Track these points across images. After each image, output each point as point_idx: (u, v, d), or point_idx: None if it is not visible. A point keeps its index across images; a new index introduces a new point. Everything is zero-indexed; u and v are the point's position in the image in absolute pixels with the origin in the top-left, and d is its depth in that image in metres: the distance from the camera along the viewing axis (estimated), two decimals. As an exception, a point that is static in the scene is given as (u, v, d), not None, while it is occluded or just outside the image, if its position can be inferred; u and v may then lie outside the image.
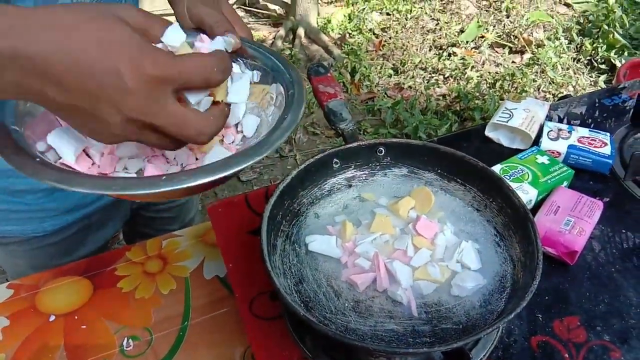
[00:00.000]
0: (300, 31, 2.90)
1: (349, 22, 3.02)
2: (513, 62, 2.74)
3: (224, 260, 0.71)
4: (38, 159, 0.46)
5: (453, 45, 2.82)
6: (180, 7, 0.58)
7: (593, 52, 2.71)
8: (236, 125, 0.57)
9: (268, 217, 0.59)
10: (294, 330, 0.61)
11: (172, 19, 0.54)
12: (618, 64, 2.56)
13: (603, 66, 2.65)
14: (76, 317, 0.71)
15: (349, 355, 0.58)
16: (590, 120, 0.96)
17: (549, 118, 0.94)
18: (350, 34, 2.95)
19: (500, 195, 0.65)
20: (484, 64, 2.72)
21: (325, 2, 3.21)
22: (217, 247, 0.75)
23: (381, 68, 2.68)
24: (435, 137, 0.98)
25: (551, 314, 0.65)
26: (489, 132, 0.91)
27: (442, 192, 0.70)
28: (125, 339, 0.69)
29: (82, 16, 0.40)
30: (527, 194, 0.75)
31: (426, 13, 3.08)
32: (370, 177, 0.72)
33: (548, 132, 0.87)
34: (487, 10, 3.10)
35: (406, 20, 3.02)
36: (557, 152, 0.84)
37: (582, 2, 3.06)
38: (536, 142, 0.87)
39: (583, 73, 2.65)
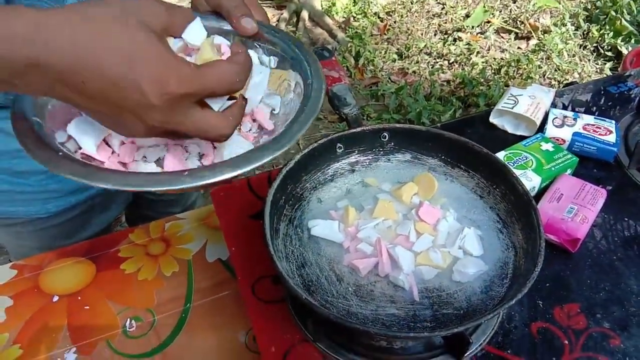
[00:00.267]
0: (304, 14, 2.87)
1: (354, 5, 2.98)
2: (519, 48, 2.72)
3: (227, 243, 0.71)
4: (61, 153, 0.46)
5: (458, 30, 2.79)
6: None
7: (600, 38, 2.68)
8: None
9: (271, 202, 0.59)
10: (295, 314, 0.61)
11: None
12: (625, 51, 2.54)
13: (609, 53, 2.62)
14: (79, 298, 0.72)
15: (350, 339, 0.59)
16: (595, 107, 0.95)
17: (554, 105, 0.93)
18: (354, 17, 2.92)
19: (503, 182, 0.65)
20: (489, 50, 2.70)
21: (330, -15, 3.18)
22: (220, 230, 0.75)
23: (385, 52, 2.65)
24: (439, 123, 0.97)
25: (552, 300, 0.65)
26: (493, 119, 0.91)
27: (446, 178, 0.70)
28: (128, 320, 0.69)
29: (104, 21, 0.39)
30: (530, 181, 0.75)
31: (432, -3, 3.04)
32: (373, 162, 0.72)
33: (553, 119, 0.86)
34: (493, -5, 3.06)
35: (411, 4, 2.99)
36: (562, 139, 0.84)
37: (590, -12, 3.02)
38: (541, 129, 0.87)
39: (589, 60, 2.63)
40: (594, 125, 0.85)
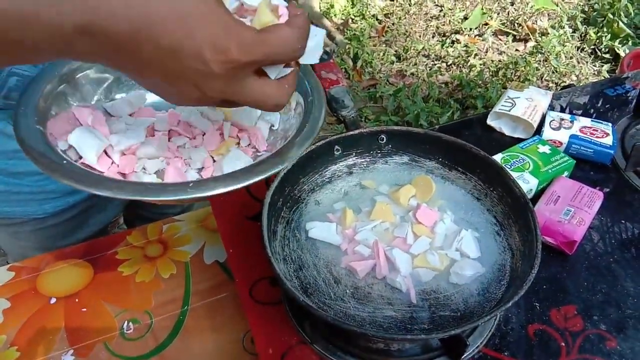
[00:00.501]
0: (303, 16, 2.87)
1: (352, 7, 2.99)
2: (516, 50, 2.72)
3: (225, 245, 0.71)
4: (65, 162, 0.46)
5: (457, 32, 2.80)
6: None
7: (597, 41, 2.69)
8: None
9: (269, 204, 0.59)
10: (293, 316, 0.61)
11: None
12: (622, 54, 2.54)
13: (607, 56, 2.63)
14: (77, 300, 0.72)
15: (348, 341, 0.59)
16: (592, 110, 0.95)
17: (551, 107, 0.94)
18: (352, 19, 2.92)
19: (500, 185, 0.65)
20: (487, 52, 2.70)
21: (328, -13, 3.18)
22: (218, 232, 0.75)
23: (384, 54, 2.66)
24: (437, 125, 0.98)
25: (548, 302, 0.65)
26: (491, 121, 0.91)
27: (443, 180, 0.70)
28: (126, 322, 0.69)
29: None
30: (527, 183, 0.75)
31: (430, -1, 3.05)
32: (371, 164, 0.72)
33: (550, 122, 0.86)
34: (491, -3, 3.07)
35: (410, 6, 2.99)
36: (559, 141, 0.84)
37: (588, -10, 3.03)
38: (538, 131, 0.87)
39: (587, 62, 2.63)
40: (591, 127, 0.85)
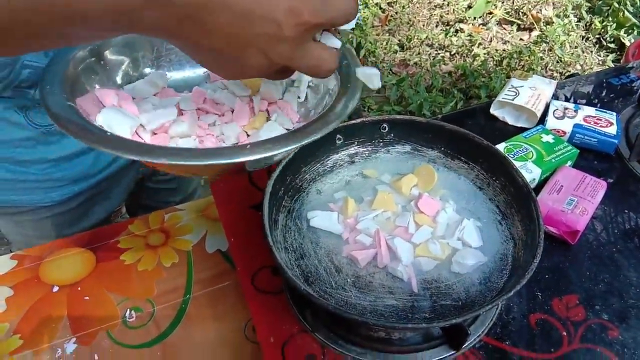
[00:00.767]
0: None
1: (355, -4, 2.96)
2: (521, 39, 2.70)
3: (226, 234, 0.71)
4: (109, 133, 0.44)
5: (460, 21, 2.77)
6: None
7: (602, 30, 2.67)
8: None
9: (270, 193, 0.59)
10: (294, 305, 0.61)
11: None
12: (627, 43, 2.52)
13: (612, 45, 2.61)
14: (79, 289, 0.72)
15: (349, 330, 0.59)
16: (597, 99, 0.95)
17: (555, 97, 0.93)
18: (356, 8, 2.90)
19: (503, 174, 0.65)
20: (491, 41, 2.68)
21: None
22: (219, 221, 0.75)
23: (387, 44, 2.64)
24: (440, 114, 0.97)
25: (550, 292, 0.65)
26: (494, 110, 0.90)
27: (445, 169, 0.70)
28: (128, 310, 0.70)
29: None
30: (530, 172, 0.75)
31: (434, -13, 3.02)
32: (373, 153, 0.72)
33: (554, 111, 0.86)
34: (496, -14, 3.04)
35: (413, -6, 2.97)
36: (563, 131, 0.84)
37: (593, -21, 3.00)
38: (542, 120, 0.87)
39: (591, 52, 2.61)
40: (595, 117, 0.84)
